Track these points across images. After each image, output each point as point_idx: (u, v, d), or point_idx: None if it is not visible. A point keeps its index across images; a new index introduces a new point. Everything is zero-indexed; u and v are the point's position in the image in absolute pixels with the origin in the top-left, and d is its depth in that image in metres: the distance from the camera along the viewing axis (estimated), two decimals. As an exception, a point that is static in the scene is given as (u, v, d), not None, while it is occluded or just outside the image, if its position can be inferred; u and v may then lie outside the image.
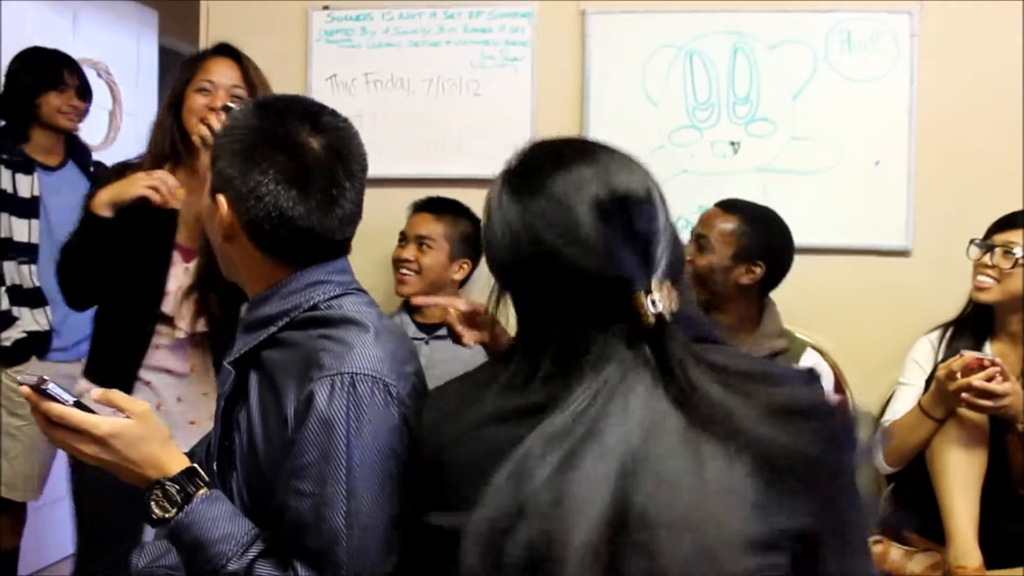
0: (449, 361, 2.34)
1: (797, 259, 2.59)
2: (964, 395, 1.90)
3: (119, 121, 3.71)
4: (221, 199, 1.24)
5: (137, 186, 1.92)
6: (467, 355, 2.38)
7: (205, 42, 2.85)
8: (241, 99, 2.01)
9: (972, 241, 2.18)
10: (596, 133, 2.65)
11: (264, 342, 1.25)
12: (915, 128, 2.56)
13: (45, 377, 1.13)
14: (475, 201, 2.67)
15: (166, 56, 3.99)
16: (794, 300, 2.60)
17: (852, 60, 2.58)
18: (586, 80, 2.67)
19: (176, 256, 2.07)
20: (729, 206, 2.18)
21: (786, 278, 2.21)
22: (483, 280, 2.68)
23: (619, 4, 2.65)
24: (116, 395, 1.19)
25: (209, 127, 1.91)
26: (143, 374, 2.06)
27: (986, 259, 2.12)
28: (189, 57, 2.14)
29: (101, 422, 1.14)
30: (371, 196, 2.76)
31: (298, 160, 1.22)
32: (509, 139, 2.64)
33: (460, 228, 2.49)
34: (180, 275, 2.07)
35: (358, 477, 1.13)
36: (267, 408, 1.22)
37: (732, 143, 2.63)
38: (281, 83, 2.83)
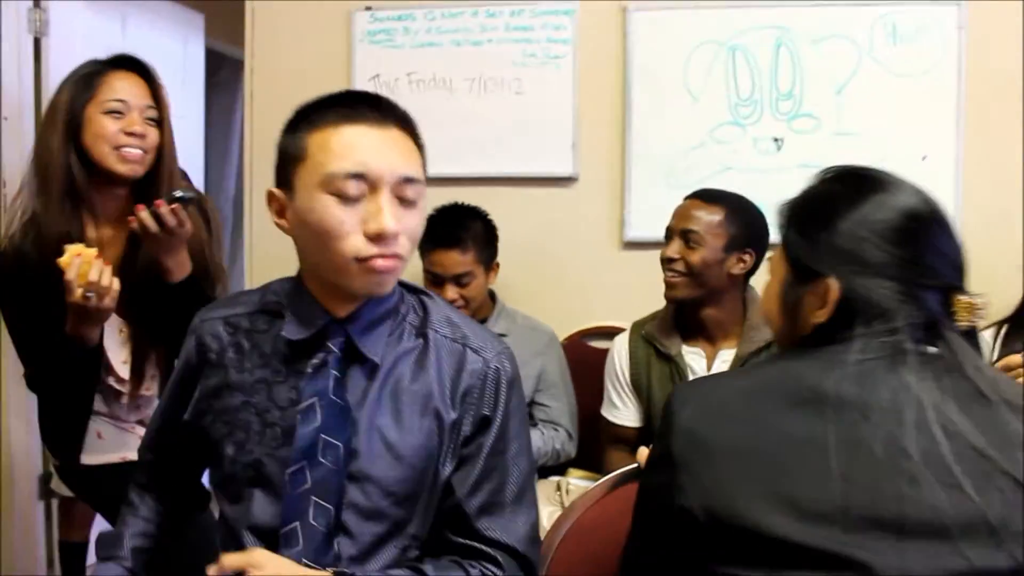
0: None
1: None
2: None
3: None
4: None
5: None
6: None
7: (251, 44, 2.89)
8: (190, 196, 1.76)
9: None
10: (638, 131, 2.65)
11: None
12: (963, 122, 2.52)
13: None
14: (517, 199, 2.70)
15: (212, 58, 4.06)
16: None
17: (897, 54, 2.55)
18: (628, 77, 2.66)
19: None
20: (708, 196, 2.09)
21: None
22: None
23: (660, 1, 2.65)
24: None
25: (157, 218, 1.70)
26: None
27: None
28: (84, 72, 1.79)
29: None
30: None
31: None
32: (551, 137, 2.70)
33: (479, 239, 2.38)
34: (115, 335, 1.89)
35: None
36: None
37: (775, 139, 2.61)
38: (324, 84, 2.82)
